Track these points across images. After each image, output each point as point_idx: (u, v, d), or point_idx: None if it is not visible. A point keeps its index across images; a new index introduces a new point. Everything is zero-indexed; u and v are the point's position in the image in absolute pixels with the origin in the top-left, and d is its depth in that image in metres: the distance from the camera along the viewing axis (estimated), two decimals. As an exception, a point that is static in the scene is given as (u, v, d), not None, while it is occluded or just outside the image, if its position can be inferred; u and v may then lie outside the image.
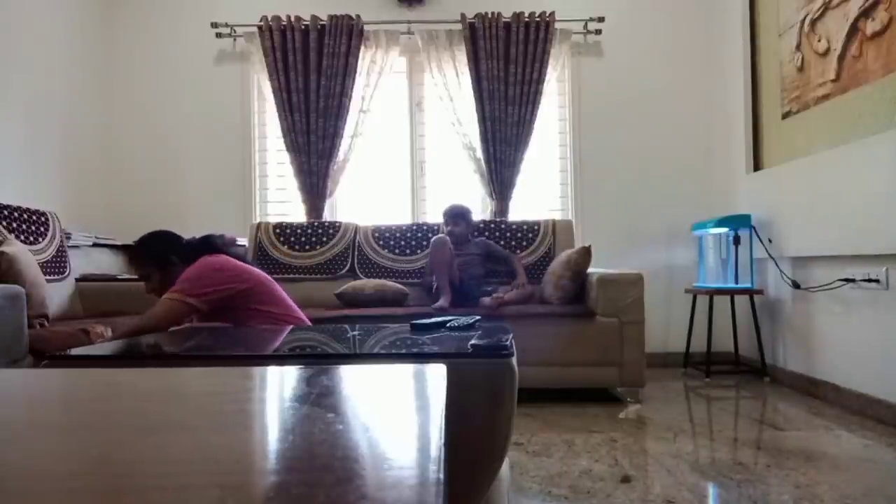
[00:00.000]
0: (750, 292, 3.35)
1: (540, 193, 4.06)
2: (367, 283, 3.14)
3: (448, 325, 1.74)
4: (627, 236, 3.98)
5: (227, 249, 2.14)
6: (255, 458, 0.41)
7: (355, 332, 1.56)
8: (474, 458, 1.08)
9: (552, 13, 3.84)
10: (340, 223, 3.71)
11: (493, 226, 3.65)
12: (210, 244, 2.12)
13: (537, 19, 3.83)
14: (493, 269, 3.45)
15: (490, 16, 3.83)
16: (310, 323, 2.07)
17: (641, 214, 3.99)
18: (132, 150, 4.07)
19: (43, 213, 3.01)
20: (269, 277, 2.10)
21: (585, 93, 4.04)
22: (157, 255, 2.09)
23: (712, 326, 3.55)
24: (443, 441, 0.43)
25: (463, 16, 3.85)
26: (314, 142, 3.86)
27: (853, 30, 2.68)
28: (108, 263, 3.57)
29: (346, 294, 3.12)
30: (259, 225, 3.72)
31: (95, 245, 3.49)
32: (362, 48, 3.89)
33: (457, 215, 3.39)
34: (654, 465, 1.99)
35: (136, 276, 3.32)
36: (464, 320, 1.83)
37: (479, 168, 3.88)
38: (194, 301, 1.91)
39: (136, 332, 1.84)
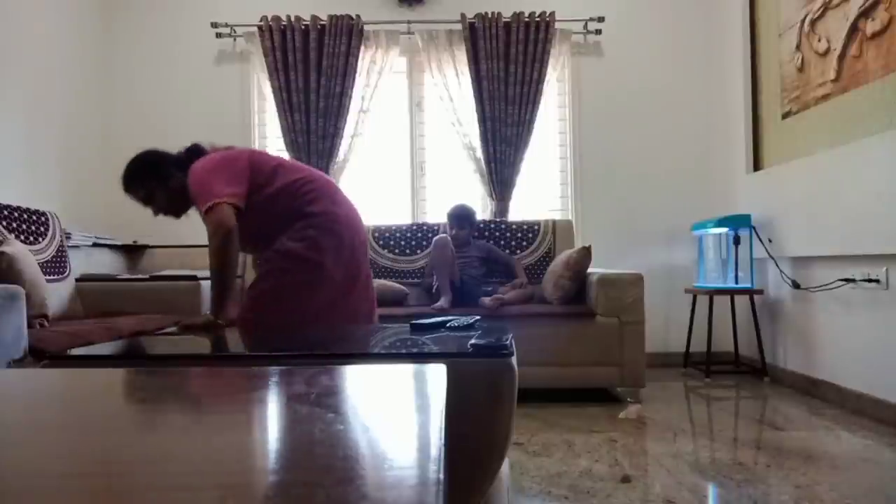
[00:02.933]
0: (750, 292, 3.35)
1: (540, 193, 4.06)
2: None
3: (448, 325, 1.74)
4: (627, 236, 3.98)
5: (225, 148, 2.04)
6: (255, 458, 0.41)
7: (355, 332, 1.56)
8: (474, 458, 1.08)
9: (552, 13, 3.84)
10: (340, 223, 3.70)
11: (493, 226, 3.65)
12: (199, 151, 2.02)
13: (537, 19, 3.83)
14: (493, 270, 3.45)
15: (490, 16, 3.83)
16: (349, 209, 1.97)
17: (641, 214, 3.99)
18: (132, 151, 4.02)
19: (43, 213, 3.01)
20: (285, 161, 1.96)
21: (585, 93, 4.04)
22: (153, 172, 1.98)
23: (712, 326, 3.55)
24: (443, 441, 0.43)
25: (463, 16, 3.85)
26: (314, 142, 3.86)
27: (853, 30, 2.68)
28: (108, 263, 3.57)
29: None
30: (259, 225, 3.72)
31: (95, 245, 3.49)
32: (362, 48, 3.89)
33: (462, 218, 3.38)
34: (654, 465, 1.99)
35: (136, 276, 3.32)
36: (464, 320, 1.83)
37: (479, 168, 3.88)
38: (228, 199, 1.77)
39: (216, 274, 1.76)
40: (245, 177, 1.84)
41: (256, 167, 1.88)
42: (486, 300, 3.01)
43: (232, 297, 1.82)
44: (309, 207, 1.86)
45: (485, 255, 3.41)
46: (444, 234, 3.27)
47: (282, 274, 1.82)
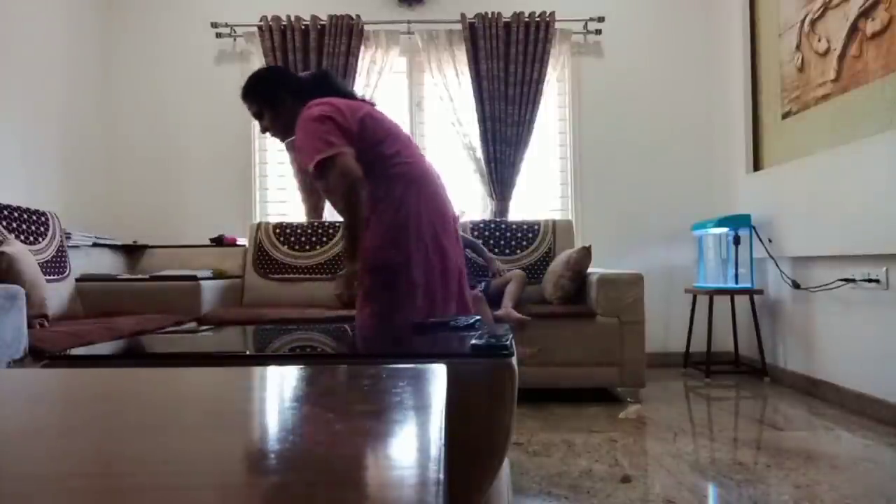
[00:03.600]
0: (750, 292, 3.35)
1: (540, 193, 4.06)
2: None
3: (448, 325, 1.74)
4: (627, 236, 3.98)
5: (344, 91, 1.95)
6: (255, 458, 0.41)
7: (355, 332, 1.56)
8: (474, 458, 1.08)
9: (552, 13, 3.83)
10: (341, 223, 3.70)
11: (493, 226, 3.65)
12: (326, 83, 1.93)
13: (537, 19, 3.83)
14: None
15: (490, 16, 3.83)
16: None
17: (641, 214, 3.99)
18: (132, 150, 4.07)
19: (43, 213, 3.01)
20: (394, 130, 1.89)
21: (585, 93, 4.04)
22: (267, 92, 1.92)
23: (712, 326, 3.55)
24: (443, 441, 0.43)
25: (463, 16, 3.85)
26: (314, 142, 3.85)
27: (853, 29, 2.68)
28: (108, 263, 3.57)
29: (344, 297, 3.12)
30: (259, 225, 3.72)
31: (95, 245, 3.49)
32: (362, 48, 3.89)
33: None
34: (654, 465, 1.99)
35: (135, 277, 3.32)
36: (464, 320, 1.83)
37: (479, 168, 3.88)
38: (342, 147, 1.72)
39: (348, 223, 1.73)
40: (352, 135, 1.78)
41: (368, 129, 1.82)
42: (500, 312, 2.96)
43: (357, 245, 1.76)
44: (395, 190, 1.80)
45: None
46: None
47: (379, 295, 1.79)
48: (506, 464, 1.32)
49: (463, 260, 1.95)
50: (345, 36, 3.84)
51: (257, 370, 0.78)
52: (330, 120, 1.75)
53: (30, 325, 2.20)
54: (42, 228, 2.97)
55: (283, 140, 1.99)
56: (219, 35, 3.98)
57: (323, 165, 1.69)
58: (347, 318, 2.91)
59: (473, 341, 1.27)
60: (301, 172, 1.71)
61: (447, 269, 1.83)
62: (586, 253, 3.08)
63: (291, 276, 3.56)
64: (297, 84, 1.92)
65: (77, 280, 3.12)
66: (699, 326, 3.76)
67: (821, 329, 2.94)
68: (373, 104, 1.94)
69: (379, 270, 1.77)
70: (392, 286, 1.76)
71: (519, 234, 3.60)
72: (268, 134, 1.97)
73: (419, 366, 0.77)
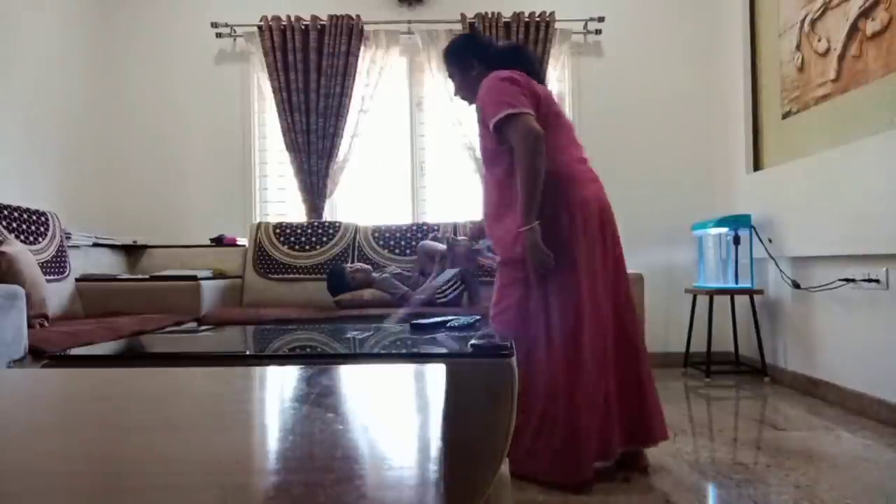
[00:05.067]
0: (750, 292, 3.35)
1: (540, 193, 4.06)
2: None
3: (448, 325, 1.74)
4: (627, 236, 3.96)
5: (533, 67, 2.04)
6: (255, 458, 0.41)
7: (355, 332, 1.56)
8: (474, 458, 1.08)
9: (552, 13, 3.83)
10: (340, 223, 3.71)
11: (493, 226, 3.64)
12: (518, 56, 2.05)
13: (537, 19, 3.83)
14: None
15: (490, 16, 3.83)
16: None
17: (641, 214, 3.98)
18: (132, 150, 4.07)
19: (43, 213, 3.01)
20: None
21: (585, 93, 4.04)
22: (459, 56, 2.07)
23: (712, 326, 3.55)
24: (443, 441, 0.43)
25: (463, 16, 3.85)
26: (314, 141, 3.86)
27: (853, 30, 2.68)
28: (108, 263, 3.57)
29: (343, 301, 3.12)
30: (259, 225, 3.72)
31: (95, 245, 3.49)
32: (362, 48, 3.89)
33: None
34: (654, 465, 1.99)
35: (135, 277, 3.32)
36: (464, 320, 1.83)
37: (480, 168, 3.88)
38: (525, 109, 1.81)
39: (527, 183, 1.77)
40: (533, 104, 1.86)
41: (542, 111, 1.89)
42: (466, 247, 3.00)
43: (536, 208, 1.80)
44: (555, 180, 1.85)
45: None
46: (464, 238, 3.29)
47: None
48: (506, 464, 1.32)
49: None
50: (345, 36, 3.84)
51: (257, 370, 0.78)
52: (517, 84, 1.85)
53: (30, 325, 2.20)
54: (42, 228, 2.97)
55: (470, 103, 2.10)
56: (219, 35, 3.98)
57: (506, 122, 1.79)
58: (348, 317, 2.91)
59: (473, 341, 1.27)
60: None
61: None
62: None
63: (291, 276, 3.56)
64: (488, 53, 2.05)
65: (77, 280, 3.12)
66: (699, 326, 3.75)
67: (821, 329, 2.94)
68: (550, 91, 2.03)
69: (517, 263, 1.86)
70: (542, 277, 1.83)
71: (519, 234, 3.60)
72: (457, 96, 2.13)
73: (419, 366, 0.77)
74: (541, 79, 2.03)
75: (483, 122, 1.90)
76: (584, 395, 1.75)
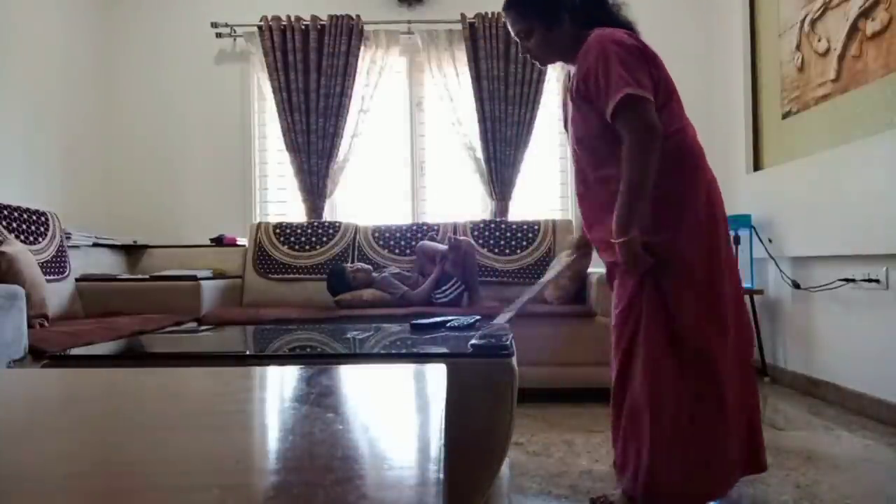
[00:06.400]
0: (750, 292, 3.34)
1: (540, 193, 4.06)
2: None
3: (448, 325, 1.74)
4: (627, 236, 3.97)
5: (627, 23, 1.67)
6: (255, 458, 0.41)
7: (355, 333, 1.56)
8: (474, 458, 1.08)
9: (552, 13, 3.83)
10: (340, 223, 3.71)
11: (493, 226, 3.64)
12: (604, 10, 1.65)
13: (537, 19, 3.83)
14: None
15: (490, 16, 3.83)
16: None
17: (641, 214, 3.98)
18: (132, 150, 4.07)
19: (43, 213, 3.01)
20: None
21: (585, 93, 4.03)
22: (546, 7, 1.62)
23: (712, 326, 3.54)
24: (443, 441, 0.43)
25: (463, 16, 3.85)
26: (314, 142, 3.86)
27: (853, 29, 2.68)
28: (108, 263, 3.56)
29: (343, 301, 3.12)
30: (259, 225, 3.72)
31: (95, 245, 3.48)
32: (362, 48, 3.89)
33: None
34: (654, 465, 1.98)
35: (135, 277, 3.32)
36: (464, 320, 1.83)
37: (479, 168, 3.88)
38: (650, 95, 1.46)
39: (635, 183, 1.45)
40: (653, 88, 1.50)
41: (659, 89, 1.54)
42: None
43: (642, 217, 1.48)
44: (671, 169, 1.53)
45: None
46: (466, 238, 3.29)
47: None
48: (506, 464, 1.32)
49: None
50: (345, 36, 3.84)
51: (257, 370, 0.78)
52: (644, 60, 1.50)
53: (30, 325, 2.20)
54: (42, 228, 2.97)
55: (542, 65, 1.74)
56: (219, 35, 3.98)
57: (629, 103, 1.43)
58: (348, 317, 2.91)
59: (473, 341, 1.27)
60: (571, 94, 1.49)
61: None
62: (586, 253, 3.07)
63: (291, 276, 3.56)
64: (576, 5, 1.63)
65: (77, 280, 3.11)
66: (699, 326, 3.75)
67: (821, 329, 2.94)
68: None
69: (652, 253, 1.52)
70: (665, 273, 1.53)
71: (519, 234, 3.60)
72: (526, 55, 1.73)
73: (419, 366, 0.77)
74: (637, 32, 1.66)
75: (587, 96, 1.54)
76: (731, 402, 1.52)
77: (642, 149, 1.44)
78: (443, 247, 3.21)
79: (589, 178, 1.65)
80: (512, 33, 1.71)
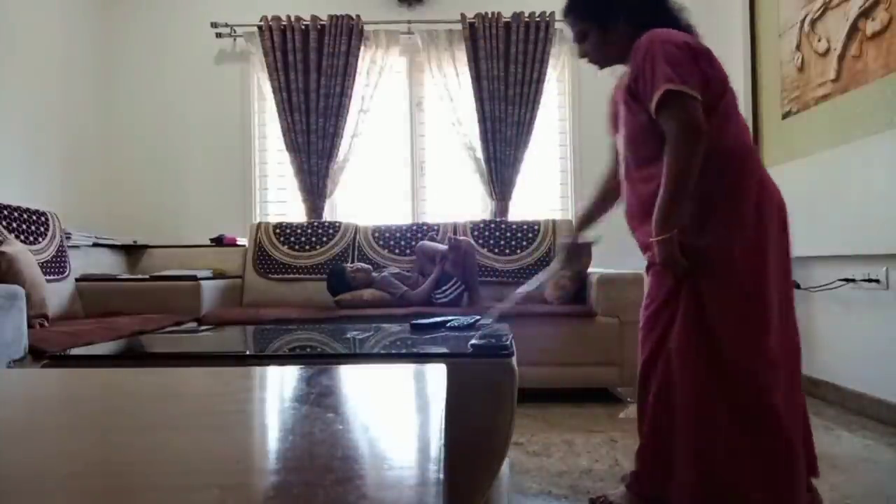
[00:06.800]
0: (750, 292, 3.34)
1: (540, 193, 4.06)
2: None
3: (448, 325, 1.74)
4: (627, 236, 3.97)
5: (686, 24, 1.68)
6: (255, 458, 0.41)
7: (355, 333, 1.56)
8: (474, 458, 1.08)
9: (552, 13, 3.83)
10: (340, 223, 3.71)
11: (493, 226, 3.64)
12: (663, 10, 1.66)
13: (537, 19, 3.83)
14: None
15: (490, 16, 3.83)
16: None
17: (641, 214, 3.98)
18: (132, 150, 4.07)
19: (43, 213, 3.01)
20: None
21: (585, 93, 4.04)
22: (601, 7, 1.64)
23: (712, 326, 3.54)
24: (443, 441, 0.43)
25: (463, 16, 3.85)
26: (314, 142, 3.86)
27: (853, 29, 2.68)
28: (108, 263, 3.56)
29: (343, 301, 3.12)
30: (259, 225, 3.72)
31: (95, 245, 3.48)
32: (362, 48, 3.89)
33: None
34: (654, 465, 1.98)
35: (135, 277, 3.32)
36: (464, 320, 1.83)
37: (479, 168, 3.88)
38: (697, 93, 1.43)
39: (676, 182, 1.43)
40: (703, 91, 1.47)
41: (710, 89, 1.50)
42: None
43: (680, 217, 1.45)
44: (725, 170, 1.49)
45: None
46: (465, 238, 3.28)
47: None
48: (506, 464, 1.32)
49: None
50: (345, 36, 3.84)
51: (257, 370, 0.78)
52: (693, 57, 1.48)
53: (30, 325, 2.20)
54: (42, 228, 2.97)
55: (601, 68, 1.76)
56: (219, 35, 3.98)
57: (672, 98, 1.42)
58: (348, 317, 2.91)
59: (473, 341, 1.27)
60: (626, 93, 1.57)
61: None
62: (586, 253, 3.07)
63: (291, 276, 3.56)
64: (635, 6, 1.63)
65: (77, 280, 3.11)
66: (699, 326, 3.75)
67: (821, 329, 2.94)
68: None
69: (693, 258, 1.49)
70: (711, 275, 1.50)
71: (519, 234, 3.60)
72: (585, 59, 1.73)
73: (419, 366, 0.77)
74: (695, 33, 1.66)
75: (636, 94, 1.54)
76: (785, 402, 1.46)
77: (684, 145, 1.43)
78: (442, 247, 3.21)
79: (634, 176, 1.64)
80: (572, 39, 1.73)
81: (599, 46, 1.67)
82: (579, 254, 2.04)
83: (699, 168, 1.44)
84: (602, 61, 1.72)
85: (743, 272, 1.48)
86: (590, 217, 2.03)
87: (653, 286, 1.60)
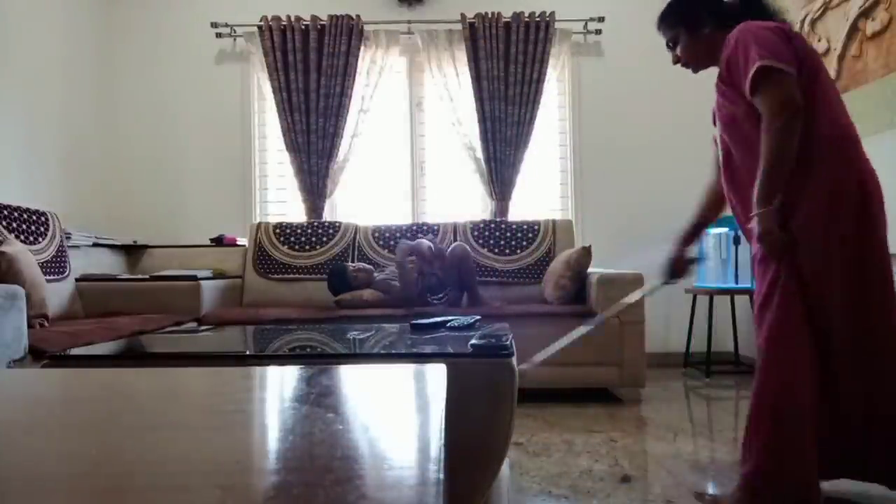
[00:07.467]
0: (750, 292, 3.34)
1: (540, 193, 4.06)
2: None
3: (448, 325, 1.74)
4: (627, 236, 3.98)
5: (781, 16, 1.69)
6: (254, 458, 0.41)
7: (355, 333, 1.56)
8: (474, 458, 1.08)
9: (552, 13, 3.83)
10: (340, 223, 3.71)
11: (493, 226, 3.65)
12: (758, 7, 1.65)
13: (537, 19, 3.83)
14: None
15: (490, 16, 3.83)
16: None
17: (641, 214, 3.98)
18: (132, 150, 4.07)
19: (43, 213, 3.01)
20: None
21: (585, 93, 4.04)
22: (688, 12, 1.71)
23: (712, 326, 3.55)
24: (443, 441, 0.43)
25: (463, 16, 3.85)
26: (314, 141, 3.86)
27: (853, 29, 2.68)
28: (108, 263, 3.56)
29: (343, 301, 3.12)
30: (259, 225, 3.72)
31: (95, 245, 3.48)
32: (362, 48, 3.89)
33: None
34: (654, 465, 1.99)
35: (135, 277, 3.32)
36: (464, 320, 1.83)
37: (479, 168, 3.88)
38: (791, 69, 1.43)
39: (774, 160, 1.43)
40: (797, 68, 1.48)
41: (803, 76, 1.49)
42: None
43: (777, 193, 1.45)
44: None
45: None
46: (461, 243, 3.25)
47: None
48: (506, 464, 1.32)
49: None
50: (345, 36, 3.84)
51: (257, 370, 0.78)
52: (786, 38, 1.50)
53: (30, 325, 2.20)
54: (42, 228, 2.96)
55: (695, 71, 1.82)
56: (219, 35, 3.98)
57: (766, 75, 1.43)
58: (348, 317, 2.91)
59: (473, 341, 1.27)
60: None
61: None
62: (586, 253, 3.07)
63: (291, 276, 3.56)
64: (721, 8, 1.67)
65: (77, 280, 3.11)
66: (699, 326, 3.76)
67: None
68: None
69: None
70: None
71: (519, 234, 3.60)
72: (678, 65, 1.79)
73: (419, 366, 0.77)
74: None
75: (732, 82, 1.55)
76: None
77: (779, 119, 1.42)
78: (427, 243, 3.14)
79: (735, 163, 1.64)
80: (666, 47, 1.81)
81: (690, 49, 1.72)
82: (682, 269, 2.05)
83: (797, 143, 1.43)
84: (695, 64, 1.77)
85: (843, 253, 1.47)
86: (696, 231, 2.05)
87: (759, 276, 1.60)
